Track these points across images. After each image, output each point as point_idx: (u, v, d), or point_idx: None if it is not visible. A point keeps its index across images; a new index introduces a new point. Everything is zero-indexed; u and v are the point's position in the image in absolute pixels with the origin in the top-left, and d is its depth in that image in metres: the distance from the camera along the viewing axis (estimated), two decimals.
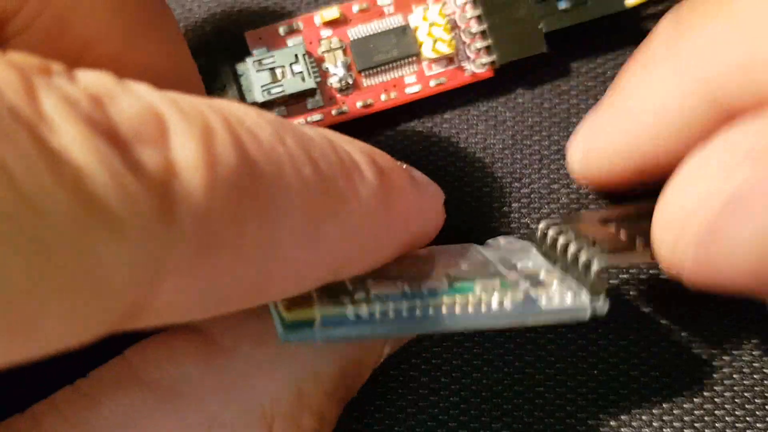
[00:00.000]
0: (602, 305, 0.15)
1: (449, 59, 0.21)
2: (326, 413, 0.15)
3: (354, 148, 0.14)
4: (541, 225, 0.17)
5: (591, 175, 0.18)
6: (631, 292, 0.18)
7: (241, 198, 0.11)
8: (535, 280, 0.15)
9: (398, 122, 0.21)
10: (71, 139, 0.09)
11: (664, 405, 0.18)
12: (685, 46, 0.15)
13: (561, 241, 0.16)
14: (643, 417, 0.18)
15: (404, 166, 0.16)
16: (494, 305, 0.14)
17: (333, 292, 0.13)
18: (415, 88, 0.21)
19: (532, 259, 0.16)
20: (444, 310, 0.14)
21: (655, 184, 0.15)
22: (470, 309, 0.14)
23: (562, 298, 0.15)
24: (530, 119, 0.21)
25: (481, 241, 0.18)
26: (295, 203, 0.12)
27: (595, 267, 0.15)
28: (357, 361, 0.16)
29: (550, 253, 0.17)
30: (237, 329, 0.15)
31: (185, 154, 0.10)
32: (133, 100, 0.10)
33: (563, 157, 0.20)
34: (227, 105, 0.12)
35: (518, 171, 0.21)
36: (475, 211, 0.20)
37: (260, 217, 0.11)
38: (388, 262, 0.15)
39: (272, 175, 0.11)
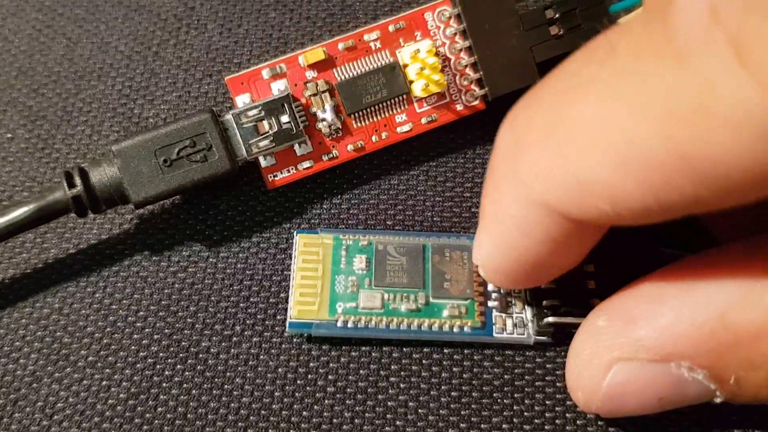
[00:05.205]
0: (545, 340, 0.18)
1: (440, 95, 0.20)
2: None
3: None
4: None
5: (501, 284, 0.18)
6: None
7: None
8: (503, 303, 0.19)
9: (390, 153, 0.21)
10: None
11: None
12: (524, 165, 0.15)
13: None
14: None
15: None
16: (455, 329, 0.18)
17: (333, 297, 0.18)
18: (406, 127, 0.20)
19: None
20: (414, 326, 0.18)
21: None
22: (435, 328, 0.18)
23: (512, 330, 0.18)
24: None
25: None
26: None
27: (549, 319, 0.18)
28: None
29: None
30: None
31: None
32: None
33: None
34: None
35: None
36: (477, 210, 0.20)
37: None
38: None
39: None
